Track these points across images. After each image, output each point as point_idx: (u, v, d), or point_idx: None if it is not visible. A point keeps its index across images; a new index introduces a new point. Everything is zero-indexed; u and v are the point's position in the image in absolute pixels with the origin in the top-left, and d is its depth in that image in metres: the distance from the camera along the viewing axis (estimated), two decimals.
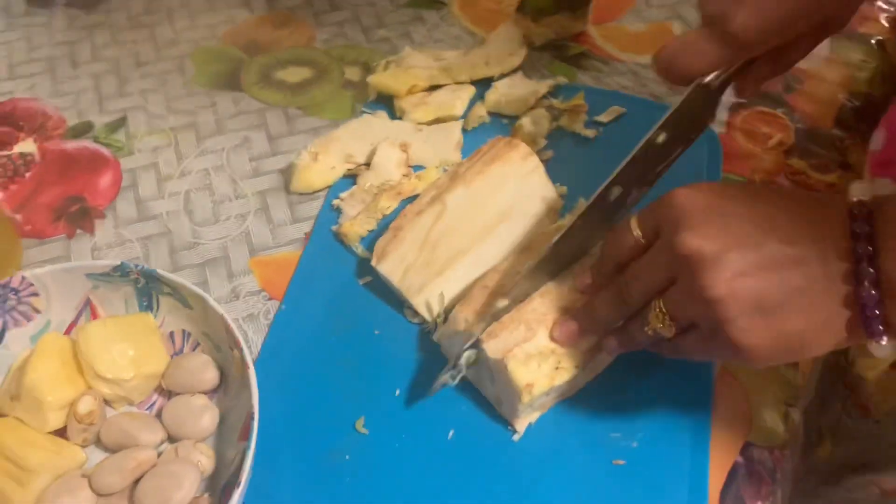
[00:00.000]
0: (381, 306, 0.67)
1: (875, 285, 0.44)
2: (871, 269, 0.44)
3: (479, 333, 0.57)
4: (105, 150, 0.80)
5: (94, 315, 0.65)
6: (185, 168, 0.79)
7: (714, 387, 0.62)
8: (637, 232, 0.52)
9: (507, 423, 0.60)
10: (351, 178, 0.76)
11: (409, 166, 0.75)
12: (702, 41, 0.55)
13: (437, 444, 0.60)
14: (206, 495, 0.57)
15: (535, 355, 0.56)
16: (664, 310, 0.51)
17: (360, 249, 0.70)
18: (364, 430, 0.60)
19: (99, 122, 0.83)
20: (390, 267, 0.65)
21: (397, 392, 0.62)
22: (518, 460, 0.59)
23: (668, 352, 0.55)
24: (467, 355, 0.57)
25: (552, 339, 0.57)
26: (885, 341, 0.45)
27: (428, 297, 0.64)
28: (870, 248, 0.44)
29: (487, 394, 0.61)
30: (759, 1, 0.53)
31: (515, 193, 0.68)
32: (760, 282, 0.46)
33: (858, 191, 0.46)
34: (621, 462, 0.58)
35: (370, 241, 0.70)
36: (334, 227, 0.72)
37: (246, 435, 0.55)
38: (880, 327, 0.45)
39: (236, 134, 0.81)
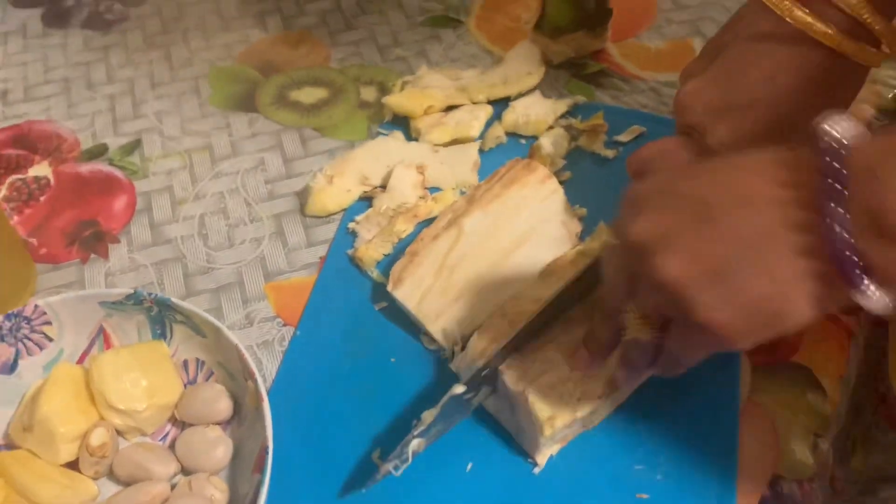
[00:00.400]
0: (397, 332, 0.66)
1: (847, 228, 0.38)
2: (842, 210, 0.38)
3: (496, 363, 0.56)
4: (119, 173, 0.80)
5: (108, 343, 0.64)
6: (199, 191, 0.78)
7: (739, 417, 0.60)
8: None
9: (526, 455, 0.59)
10: (366, 200, 0.75)
11: (426, 188, 0.74)
12: (679, 149, 0.56)
13: (456, 477, 0.58)
14: None
15: (556, 386, 0.55)
16: (636, 311, 0.49)
17: (375, 274, 0.69)
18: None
19: (114, 144, 0.83)
20: (406, 293, 0.64)
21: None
22: (539, 494, 0.57)
23: (664, 365, 0.51)
24: (414, 444, 0.55)
25: (572, 367, 0.55)
26: (871, 289, 0.39)
27: (445, 324, 0.63)
28: (839, 188, 0.38)
29: (507, 424, 0.60)
30: (737, 118, 0.54)
31: (534, 217, 0.67)
32: (708, 247, 0.42)
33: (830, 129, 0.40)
34: (645, 496, 0.57)
35: (386, 265, 0.69)
36: (349, 251, 0.71)
37: (260, 468, 0.54)
38: (859, 272, 0.38)
39: (251, 156, 0.80)
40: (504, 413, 0.59)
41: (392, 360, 0.64)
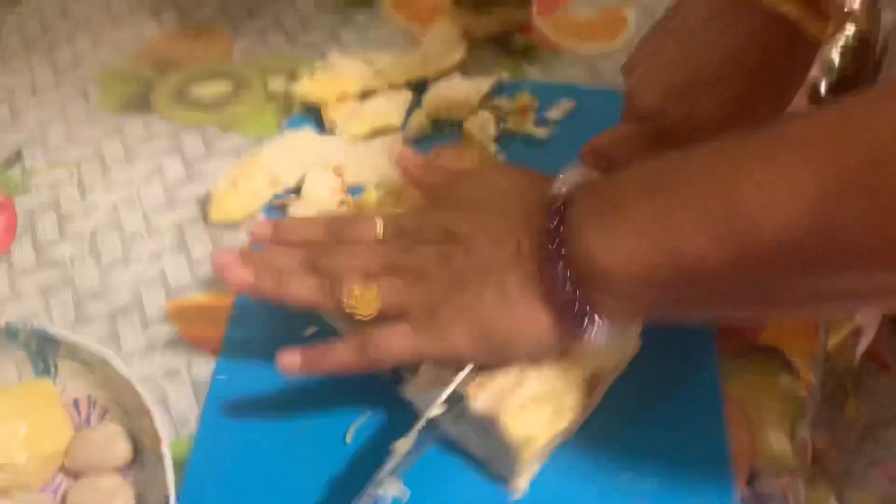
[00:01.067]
0: None
1: (568, 278, 0.43)
2: (561, 263, 0.43)
3: (454, 384, 0.48)
4: None
5: None
6: (90, 205, 0.69)
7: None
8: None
9: (499, 483, 0.51)
10: (279, 209, 0.66)
11: (346, 191, 0.66)
12: (635, 136, 0.56)
13: None
14: None
15: (528, 403, 0.48)
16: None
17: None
18: None
19: None
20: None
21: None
22: None
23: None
24: (392, 485, 0.48)
25: None
26: (598, 326, 0.44)
27: None
28: (558, 239, 0.43)
29: (475, 451, 0.52)
30: (702, 96, 0.54)
31: None
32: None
33: (559, 182, 0.47)
34: None
35: None
36: None
37: None
38: (582, 317, 0.43)
39: (148, 161, 0.72)
40: (470, 441, 0.51)
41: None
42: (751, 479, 0.52)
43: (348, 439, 0.54)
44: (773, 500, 0.51)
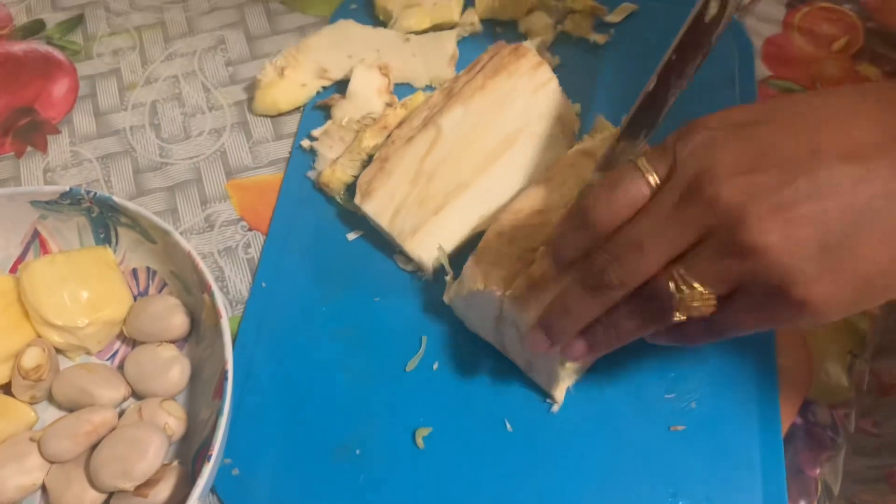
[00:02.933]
0: (377, 266, 0.57)
1: None
2: None
3: (501, 291, 0.47)
4: (59, 54, 0.69)
5: (45, 250, 0.56)
6: (150, 74, 0.68)
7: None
8: (652, 177, 0.39)
9: (541, 393, 0.52)
10: (323, 110, 0.64)
11: (392, 92, 0.63)
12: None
13: (465, 424, 0.51)
14: (175, 463, 0.49)
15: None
16: (691, 282, 0.37)
17: (344, 199, 0.59)
18: None
19: (52, 20, 0.72)
20: (378, 206, 0.55)
21: (408, 367, 0.53)
22: (560, 435, 0.50)
23: (694, 336, 0.42)
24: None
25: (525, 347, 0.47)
26: None
27: (423, 241, 0.54)
28: None
29: (515, 359, 0.52)
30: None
31: (524, 112, 0.57)
32: (820, 214, 0.35)
33: None
34: (680, 427, 0.50)
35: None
36: (310, 174, 0.61)
37: (220, 393, 0.46)
38: None
39: (210, 34, 0.70)
40: (513, 347, 0.51)
41: (376, 299, 0.56)
42: (805, 409, 0.51)
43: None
44: (824, 430, 0.51)
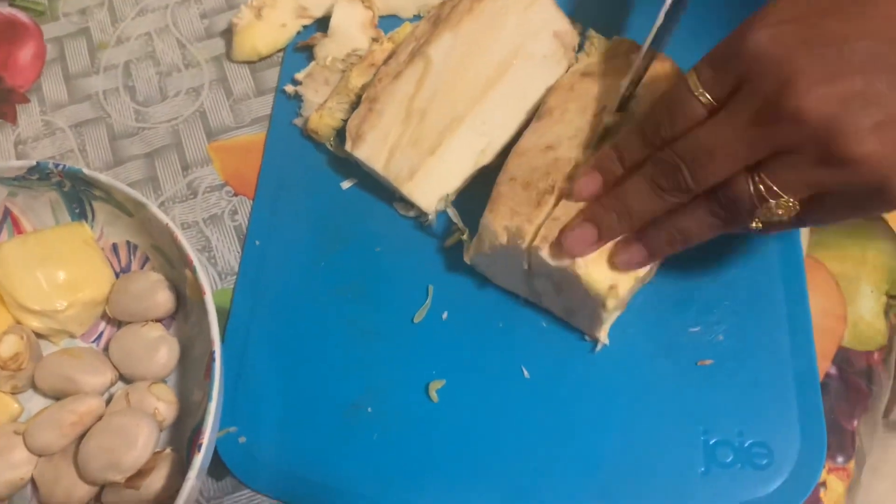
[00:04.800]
0: (376, 214, 0.53)
1: None
2: None
3: (528, 242, 0.44)
4: (23, 16, 0.65)
5: (18, 229, 0.52)
6: (122, 33, 0.63)
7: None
8: (704, 95, 0.38)
9: (579, 335, 0.49)
10: (305, 51, 0.59)
11: (377, 26, 0.58)
12: None
13: (480, 374, 0.48)
14: (168, 450, 0.46)
15: (608, 248, 0.43)
16: (776, 190, 0.36)
17: (335, 146, 0.55)
18: None
19: None
20: (370, 151, 0.51)
21: (416, 319, 0.50)
22: (580, 379, 0.47)
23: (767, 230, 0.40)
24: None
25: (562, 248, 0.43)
26: None
27: (422, 184, 0.50)
28: None
29: (552, 307, 0.49)
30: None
31: (517, 32, 0.52)
32: None
33: None
34: (708, 362, 0.47)
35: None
36: (297, 122, 0.57)
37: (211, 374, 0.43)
38: None
39: None
40: (547, 295, 0.48)
41: (377, 249, 0.52)
42: (839, 358, 0.48)
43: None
44: (861, 377, 0.47)
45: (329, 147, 0.55)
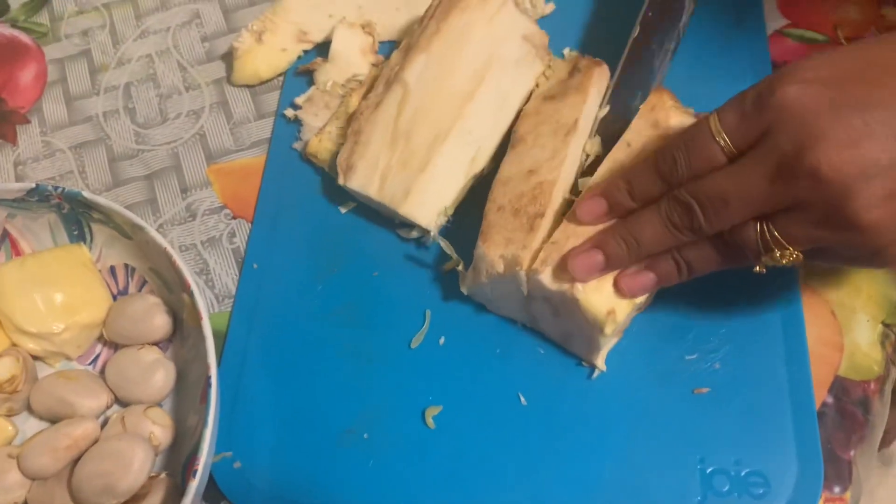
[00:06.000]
0: (375, 238, 0.54)
1: None
2: None
3: (525, 269, 0.44)
4: (25, 37, 0.65)
5: (17, 251, 0.52)
6: (123, 55, 0.64)
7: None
8: (725, 141, 0.39)
9: (555, 361, 0.48)
10: (306, 76, 0.60)
11: (377, 52, 0.59)
12: None
13: (476, 400, 0.48)
14: (163, 475, 0.46)
15: (608, 276, 0.43)
16: (782, 241, 0.38)
17: (335, 170, 0.54)
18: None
19: (15, 1, 0.67)
20: (362, 180, 0.51)
21: (413, 344, 0.50)
22: (577, 406, 0.47)
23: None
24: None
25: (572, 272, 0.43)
26: None
27: (418, 202, 0.50)
28: None
29: (549, 332, 0.49)
30: None
31: (487, 42, 0.53)
32: None
33: None
34: (704, 390, 0.47)
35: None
36: (296, 146, 0.57)
37: (206, 398, 0.43)
38: None
39: (184, 8, 0.65)
40: (544, 319, 0.48)
41: (374, 274, 0.52)
42: (835, 388, 0.48)
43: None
44: (857, 407, 0.47)
45: (328, 171, 0.55)
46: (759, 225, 0.38)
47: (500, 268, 0.45)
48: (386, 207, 0.51)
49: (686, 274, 0.43)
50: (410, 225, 0.52)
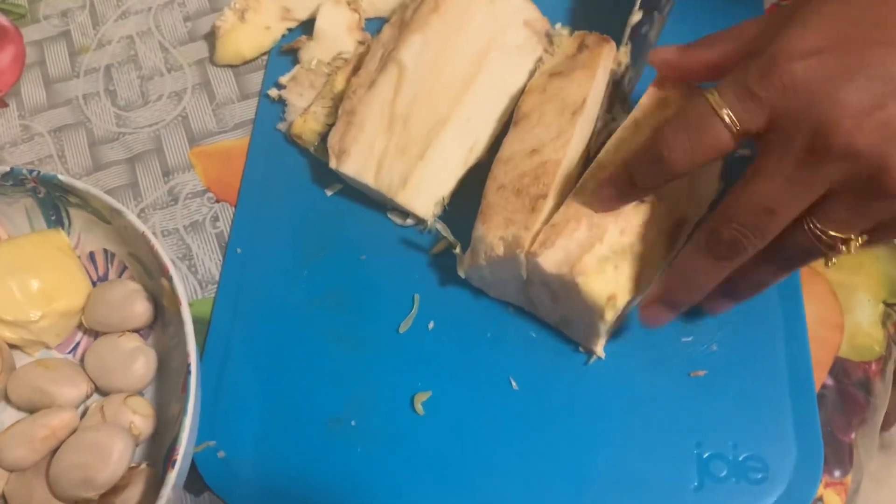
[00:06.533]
0: (362, 221, 0.52)
1: None
2: None
3: (525, 251, 0.42)
4: (2, 19, 0.63)
5: None
6: (103, 36, 0.62)
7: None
8: (728, 116, 0.35)
9: (573, 346, 0.47)
10: (290, 54, 0.58)
11: (363, 28, 0.57)
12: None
13: (467, 386, 0.47)
14: (144, 465, 0.44)
15: (609, 257, 0.42)
16: (832, 232, 0.35)
17: (319, 151, 0.54)
18: None
19: None
20: (357, 165, 0.49)
21: (401, 329, 0.48)
22: (570, 390, 0.46)
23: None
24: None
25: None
26: None
27: (416, 191, 0.49)
28: None
29: (547, 317, 0.47)
30: None
31: (487, 25, 0.51)
32: None
33: None
34: (701, 373, 0.45)
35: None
36: (281, 126, 0.55)
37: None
38: None
39: None
40: (542, 304, 0.46)
41: (362, 257, 0.51)
42: (835, 369, 0.46)
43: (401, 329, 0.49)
44: (858, 389, 0.46)
45: (313, 152, 0.53)
46: (805, 225, 0.36)
47: (500, 250, 0.43)
48: (381, 195, 0.49)
49: (758, 288, 0.42)
50: (404, 212, 0.50)
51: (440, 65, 0.50)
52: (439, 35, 0.50)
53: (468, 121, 0.50)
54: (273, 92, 0.56)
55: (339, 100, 0.53)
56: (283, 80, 0.56)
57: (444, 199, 0.49)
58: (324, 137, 0.53)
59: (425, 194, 0.49)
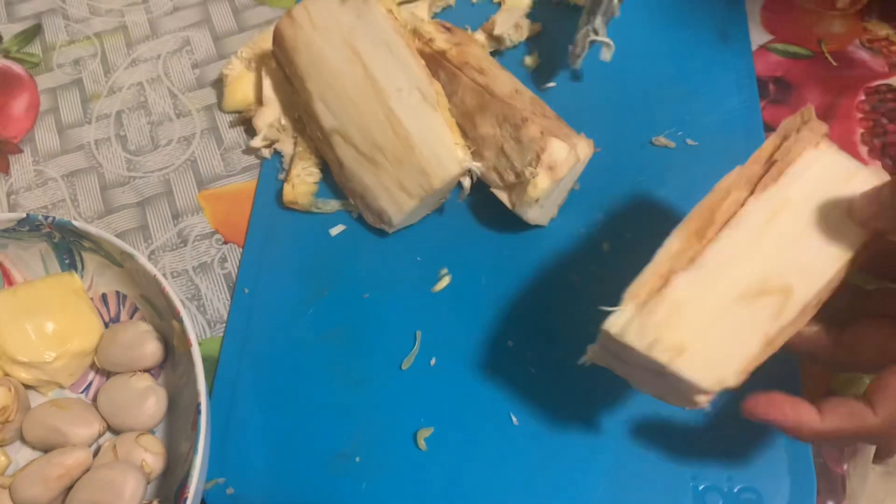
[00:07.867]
0: (366, 261, 0.54)
1: None
2: None
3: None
4: (17, 68, 0.66)
5: (9, 280, 0.53)
6: (114, 83, 0.64)
7: None
8: None
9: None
10: (245, 123, 0.61)
11: None
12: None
13: (468, 421, 0.48)
14: (155, 502, 0.46)
15: (715, 319, 0.36)
16: None
17: (318, 207, 0.55)
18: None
19: (8, 32, 0.68)
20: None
21: (404, 365, 0.50)
22: (570, 425, 0.47)
23: None
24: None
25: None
26: None
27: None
28: None
29: (648, 391, 0.41)
30: None
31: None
32: None
33: None
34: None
35: (324, 189, 0.56)
36: (281, 176, 0.57)
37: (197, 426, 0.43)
38: None
39: (174, 36, 0.66)
40: (642, 380, 0.40)
41: (365, 295, 0.52)
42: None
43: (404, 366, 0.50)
44: None
45: (315, 211, 0.55)
46: None
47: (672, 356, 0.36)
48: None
49: None
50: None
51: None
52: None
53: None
54: (264, 152, 0.58)
55: (318, 156, 0.55)
56: (254, 144, 0.57)
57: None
58: (317, 193, 0.55)
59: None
